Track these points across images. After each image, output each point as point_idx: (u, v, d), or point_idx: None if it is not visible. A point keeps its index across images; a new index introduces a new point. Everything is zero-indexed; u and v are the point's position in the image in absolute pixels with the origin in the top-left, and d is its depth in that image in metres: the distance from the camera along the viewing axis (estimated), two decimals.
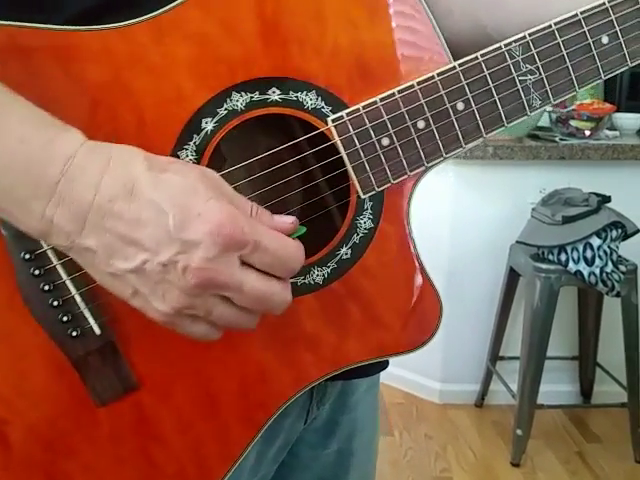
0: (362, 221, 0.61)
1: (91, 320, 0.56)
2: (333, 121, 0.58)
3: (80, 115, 0.53)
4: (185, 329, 0.53)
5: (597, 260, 2.33)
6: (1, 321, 0.55)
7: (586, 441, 2.68)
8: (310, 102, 0.58)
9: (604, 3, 0.61)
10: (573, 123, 2.74)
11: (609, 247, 2.34)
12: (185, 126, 0.56)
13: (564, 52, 0.61)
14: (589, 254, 2.33)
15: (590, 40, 0.61)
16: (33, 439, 0.56)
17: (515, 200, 2.71)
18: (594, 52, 0.62)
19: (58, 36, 0.54)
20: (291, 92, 0.58)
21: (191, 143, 0.56)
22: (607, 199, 2.46)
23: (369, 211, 0.61)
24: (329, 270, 0.61)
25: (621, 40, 0.62)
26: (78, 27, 0.54)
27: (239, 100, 0.57)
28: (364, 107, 0.58)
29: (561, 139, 2.72)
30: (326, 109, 0.58)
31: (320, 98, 0.58)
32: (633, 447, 2.52)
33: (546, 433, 2.69)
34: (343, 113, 0.58)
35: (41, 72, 0.53)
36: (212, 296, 0.51)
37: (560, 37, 0.61)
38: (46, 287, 0.55)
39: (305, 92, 0.58)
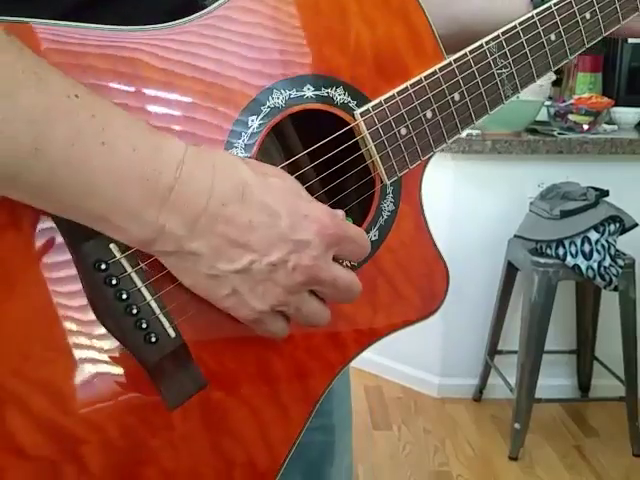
0: (386, 205, 0.67)
1: (167, 324, 0.56)
2: (361, 115, 0.63)
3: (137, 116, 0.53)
4: (266, 326, 0.56)
5: (595, 254, 2.33)
6: (72, 336, 0.53)
7: (584, 435, 2.69)
8: (339, 97, 0.63)
9: (550, 6, 0.71)
10: (571, 117, 2.75)
11: (607, 241, 2.35)
12: (234, 124, 0.58)
13: (527, 49, 0.70)
14: (587, 248, 2.34)
15: (543, 38, 0.71)
16: (111, 454, 0.55)
17: (513, 194, 2.71)
18: (546, 48, 0.71)
19: (105, 37, 0.54)
20: (322, 88, 0.62)
21: (240, 140, 0.59)
22: (605, 193, 2.46)
23: (391, 195, 0.67)
24: None
25: (564, 38, 0.72)
26: (123, 27, 0.55)
27: (279, 97, 0.60)
28: (385, 100, 0.64)
29: (559, 133, 2.72)
30: (352, 103, 0.63)
31: (347, 93, 0.63)
32: (631, 441, 2.53)
33: (544, 427, 2.70)
34: (369, 106, 0.63)
35: (95, 77, 0.53)
36: (306, 292, 0.55)
37: (523, 36, 0.70)
38: (123, 295, 0.54)
39: (334, 88, 0.63)
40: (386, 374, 3.07)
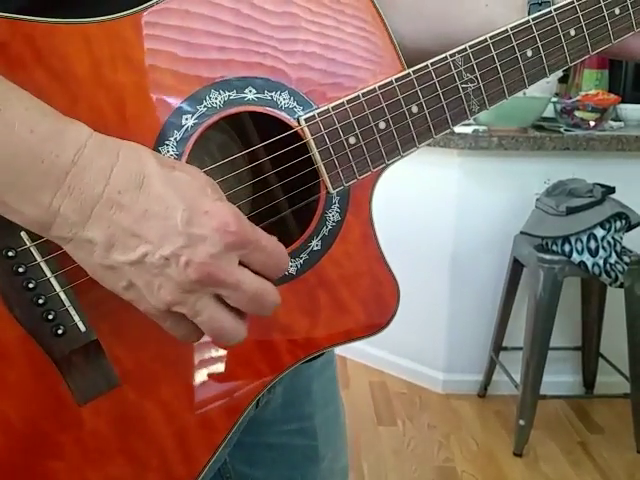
0: (331, 214, 0.64)
1: (76, 317, 0.55)
2: (306, 120, 0.61)
3: (60, 110, 0.51)
4: (170, 325, 0.53)
5: (601, 251, 2.33)
6: None
7: (589, 432, 2.69)
8: (283, 101, 0.61)
9: (528, 21, 0.67)
10: (578, 114, 2.74)
11: (613, 238, 2.34)
12: (166, 122, 0.57)
13: (497, 64, 0.67)
14: (593, 245, 2.33)
15: (518, 53, 0.68)
16: (15, 442, 0.55)
17: (519, 191, 2.71)
18: (521, 64, 0.68)
19: (36, 28, 0.53)
20: (266, 91, 0.61)
21: (172, 139, 0.57)
22: (611, 190, 2.45)
23: (337, 205, 0.65)
24: (301, 261, 0.64)
25: (542, 54, 0.68)
26: (58, 20, 0.54)
27: (217, 98, 0.59)
28: (333, 108, 0.62)
29: (566, 130, 2.72)
30: (297, 109, 0.62)
31: (292, 98, 0.62)
32: (635, 438, 2.53)
33: (549, 423, 2.70)
34: (315, 113, 0.62)
35: (18, 65, 0.52)
36: (206, 295, 0.52)
37: (494, 50, 0.67)
38: (30, 285, 0.53)
39: (279, 92, 0.61)
40: (391, 370, 3.08)
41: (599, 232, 2.34)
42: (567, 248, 2.37)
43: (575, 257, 2.35)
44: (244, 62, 0.60)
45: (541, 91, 2.73)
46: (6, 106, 0.48)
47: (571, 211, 2.38)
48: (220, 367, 0.61)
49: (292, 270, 0.63)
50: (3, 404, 0.55)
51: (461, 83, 0.66)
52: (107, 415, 0.58)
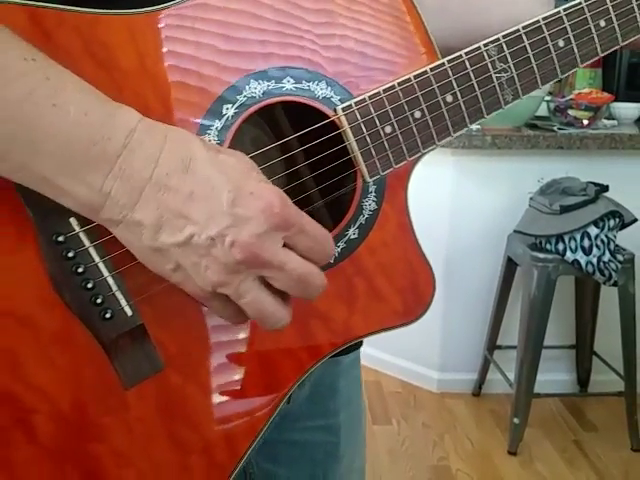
0: (367, 203, 0.66)
1: (123, 302, 0.56)
2: (343, 110, 0.62)
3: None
4: (217, 307, 0.55)
5: (594, 249, 2.33)
6: (29, 307, 0.55)
7: (583, 430, 2.69)
8: (321, 91, 0.62)
9: (559, 11, 0.69)
10: (571, 112, 2.75)
11: (606, 236, 2.35)
12: (207, 111, 0.58)
13: (530, 53, 0.68)
14: (587, 243, 2.34)
15: (550, 43, 0.69)
16: (61, 426, 0.56)
17: (513, 189, 2.71)
18: (553, 54, 0.69)
19: (82, 18, 0.55)
20: (304, 81, 0.62)
21: (213, 128, 0.59)
22: (605, 188, 2.46)
23: (373, 194, 0.66)
24: (339, 250, 0.65)
25: (573, 44, 0.70)
26: (106, 10, 0.55)
27: (257, 88, 0.60)
28: (370, 97, 0.63)
29: (559, 128, 2.72)
30: (335, 98, 0.63)
31: (330, 88, 0.63)
32: (629, 435, 2.54)
33: (543, 422, 2.71)
34: (352, 102, 0.63)
35: (65, 54, 0.53)
36: (251, 277, 0.52)
37: (527, 40, 0.68)
38: (79, 269, 0.55)
39: (316, 82, 0.62)
40: (385, 369, 3.08)
41: (593, 230, 2.34)
42: (561, 247, 2.37)
43: (569, 256, 2.36)
44: (283, 54, 0.61)
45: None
46: (61, 88, 0.49)
47: (565, 210, 2.39)
48: (259, 354, 0.62)
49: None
50: (52, 388, 0.55)
51: (495, 72, 0.67)
52: (152, 399, 0.59)
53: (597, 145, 2.64)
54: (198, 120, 0.58)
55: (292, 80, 0.61)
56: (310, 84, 0.62)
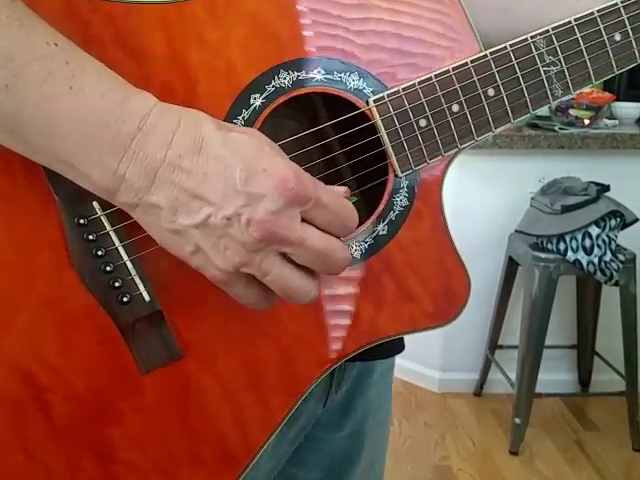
0: (398, 199, 0.64)
1: (141, 287, 0.56)
2: (375, 102, 0.61)
3: (134, 85, 0.53)
4: (239, 291, 0.54)
5: (596, 249, 2.33)
6: (49, 287, 0.55)
7: (584, 429, 2.69)
8: (352, 83, 0.61)
9: (617, 3, 0.65)
10: (572, 112, 2.74)
11: (608, 236, 2.35)
12: (235, 100, 0.58)
13: (582, 46, 0.65)
14: (588, 243, 2.34)
15: (605, 37, 0.65)
16: (77, 407, 0.57)
17: (514, 189, 2.71)
18: (608, 48, 0.65)
19: (116, 7, 0.56)
20: (335, 72, 0.60)
21: (240, 117, 0.58)
22: (606, 188, 2.46)
23: (405, 190, 0.64)
24: (366, 245, 0.63)
25: (631, 38, 0.66)
26: (138, 0, 0.56)
27: (286, 78, 0.59)
28: (404, 89, 0.61)
29: (560, 128, 2.72)
30: (367, 90, 0.61)
31: (362, 79, 0.61)
32: (631, 435, 2.54)
33: (544, 422, 2.71)
34: (384, 94, 0.61)
35: (97, 41, 0.54)
36: (272, 254, 0.52)
37: (579, 32, 0.64)
38: (99, 252, 0.55)
39: (348, 73, 0.61)
40: None
41: (594, 230, 2.34)
42: (562, 246, 2.37)
43: (570, 255, 2.35)
44: (314, 43, 0.60)
45: None
46: (79, 72, 0.50)
47: (566, 209, 2.39)
48: (280, 347, 0.61)
49: (356, 254, 0.63)
50: (69, 369, 0.56)
51: (542, 66, 0.64)
52: (168, 386, 0.59)
53: (598, 145, 2.64)
54: (225, 109, 0.58)
55: (323, 71, 0.60)
56: (342, 75, 0.61)
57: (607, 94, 2.81)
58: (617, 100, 2.93)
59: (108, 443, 0.58)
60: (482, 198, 2.76)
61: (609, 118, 2.90)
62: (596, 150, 2.67)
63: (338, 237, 0.54)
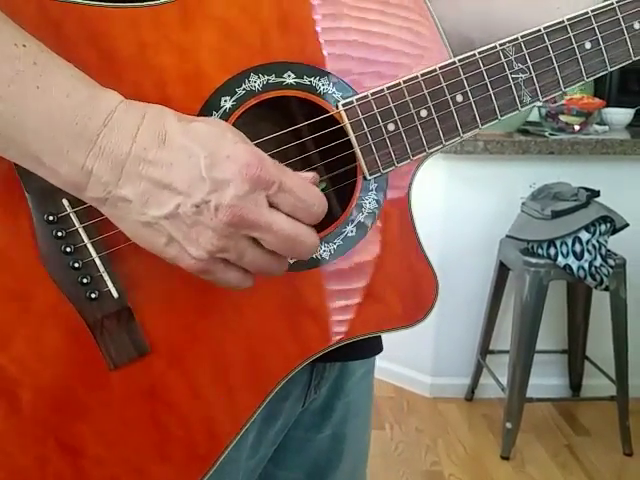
0: (367, 201, 0.65)
1: (109, 283, 0.57)
2: (343, 105, 0.62)
3: (105, 86, 0.54)
4: (219, 276, 0.55)
5: (586, 254, 2.34)
6: (19, 282, 0.56)
7: (575, 434, 2.70)
8: (322, 87, 0.62)
9: (587, 12, 0.66)
10: (563, 118, 2.76)
11: (598, 241, 2.36)
12: (205, 103, 0.59)
13: (552, 54, 0.66)
14: (578, 248, 2.35)
15: (575, 45, 0.66)
16: (44, 401, 0.57)
17: (505, 194, 2.72)
18: (578, 56, 0.66)
19: (88, 10, 0.56)
20: (305, 77, 0.62)
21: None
22: (596, 193, 2.47)
23: (374, 192, 0.65)
24: (335, 246, 0.64)
25: (602, 46, 0.67)
26: (108, 4, 0.57)
27: (257, 81, 0.60)
28: (372, 94, 0.62)
29: (551, 134, 2.73)
30: (337, 94, 0.62)
31: (331, 84, 0.62)
32: (621, 440, 2.54)
33: (535, 426, 2.71)
34: (353, 98, 0.62)
35: (69, 44, 0.56)
36: (243, 238, 0.53)
37: (548, 40, 0.65)
38: (67, 249, 0.56)
39: (318, 77, 0.62)
40: (378, 374, 3.04)
41: (584, 235, 2.35)
42: (552, 251, 2.38)
43: (560, 260, 2.36)
44: (284, 48, 0.61)
45: None
46: (46, 72, 0.52)
47: (556, 215, 2.40)
48: (248, 344, 0.62)
49: (325, 255, 0.64)
50: (38, 364, 0.57)
51: (511, 73, 0.65)
52: (135, 382, 0.59)
53: (588, 150, 2.65)
54: (195, 112, 0.58)
55: (293, 75, 0.61)
56: (312, 79, 0.62)
57: (597, 100, 2.83)
58: (607, 106, 2.95)
59: (76, 437, 0.58)
60: (473, 203, 2.76)
61: (599, 124, 2.92)
62: (586, 156, 2.68)
63: (306, 223, 0.55)
